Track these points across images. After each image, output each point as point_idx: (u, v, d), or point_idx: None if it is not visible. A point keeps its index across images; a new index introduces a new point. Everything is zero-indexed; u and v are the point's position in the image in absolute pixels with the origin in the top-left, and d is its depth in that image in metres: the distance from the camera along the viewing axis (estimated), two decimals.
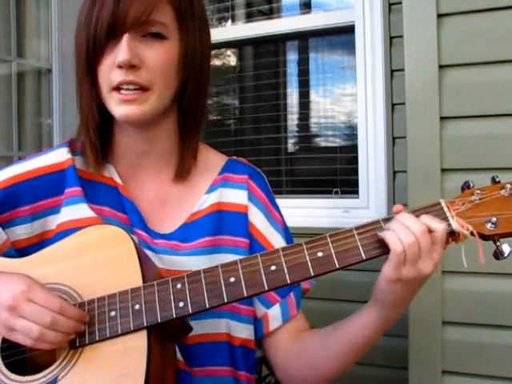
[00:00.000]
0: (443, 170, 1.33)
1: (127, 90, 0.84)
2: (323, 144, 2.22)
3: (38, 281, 0.78)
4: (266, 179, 1.01)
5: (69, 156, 0.93)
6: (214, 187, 0.95)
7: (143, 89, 0.84)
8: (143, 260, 0.80)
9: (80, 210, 0.90)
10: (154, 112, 0.86)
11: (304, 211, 1.89)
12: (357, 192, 1.86)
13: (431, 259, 0.73)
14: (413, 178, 1.37)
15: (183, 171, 0.94)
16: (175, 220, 0.93)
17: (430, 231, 0.73)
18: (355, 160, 1.85)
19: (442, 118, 1.33)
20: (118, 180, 0.94)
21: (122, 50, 0.82)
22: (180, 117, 0.94)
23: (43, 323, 0.72)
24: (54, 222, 0.91)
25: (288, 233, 0.99)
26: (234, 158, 1.01)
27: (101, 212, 0.91)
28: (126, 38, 0.82)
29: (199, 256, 0.90)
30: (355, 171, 1.86)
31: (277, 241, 0.95)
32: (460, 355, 1.33)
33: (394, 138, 1.76)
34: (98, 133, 0.90)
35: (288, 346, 0.92)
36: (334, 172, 2.04)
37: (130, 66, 0.82)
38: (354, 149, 1.88)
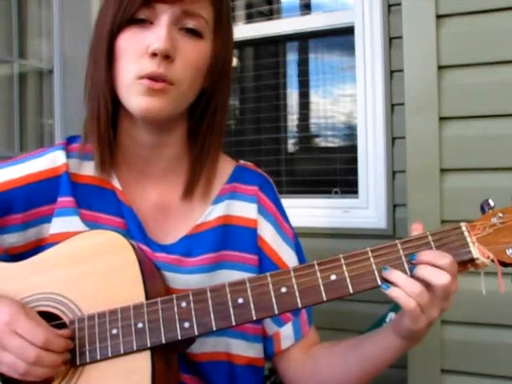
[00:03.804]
0: (442, 171, 1.34)
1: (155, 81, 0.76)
2: (323, 144, 2.22)
3: (32, 292, 0.75)
4: (274, 187, 0.96)
5: (64, 161, 0.87)
6: (221, 198, 0.90)
7: (169, 83, 0.77)
8: (145, 271, 0.76)
9: (71, 223, 0.84)
10: (171, 110, 0.80)
11: (304, 211, 1.90)
12: (356, 192, 1.86)
13: (440, 307, 0.71)
14: (412, 179, 1.37)
15: (192, 189, 0.88)
16: (177, 231, 0.87)
17: (429, 286, 0.69)
18: (355, 160, 1.86)
19: (441, 119, 1.34)
20: (117, 184, 0.88)
21: (160, 37, 0.74)
22: (190, 128, 0.89)
23: (27, 360, 0.68)
24: (47, 230, 0.86)
25: (298, 245, 0.95)
26: (242, 163, 0.96)
27: (96, 219, 0.86)
28: (166, 23, 0.75)
29: (202, 274, 0.84)
30: (355, 171, 1.86)
31: (287, 255, 0.91)
32: (459, 354, 1.33)
33: (393, 139, 1.76)
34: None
35: (299, 364, 0.88)
36: (334, 172, 2.05)
37: (165, 57, 0.75)
38: (353, 149, 1.89)
